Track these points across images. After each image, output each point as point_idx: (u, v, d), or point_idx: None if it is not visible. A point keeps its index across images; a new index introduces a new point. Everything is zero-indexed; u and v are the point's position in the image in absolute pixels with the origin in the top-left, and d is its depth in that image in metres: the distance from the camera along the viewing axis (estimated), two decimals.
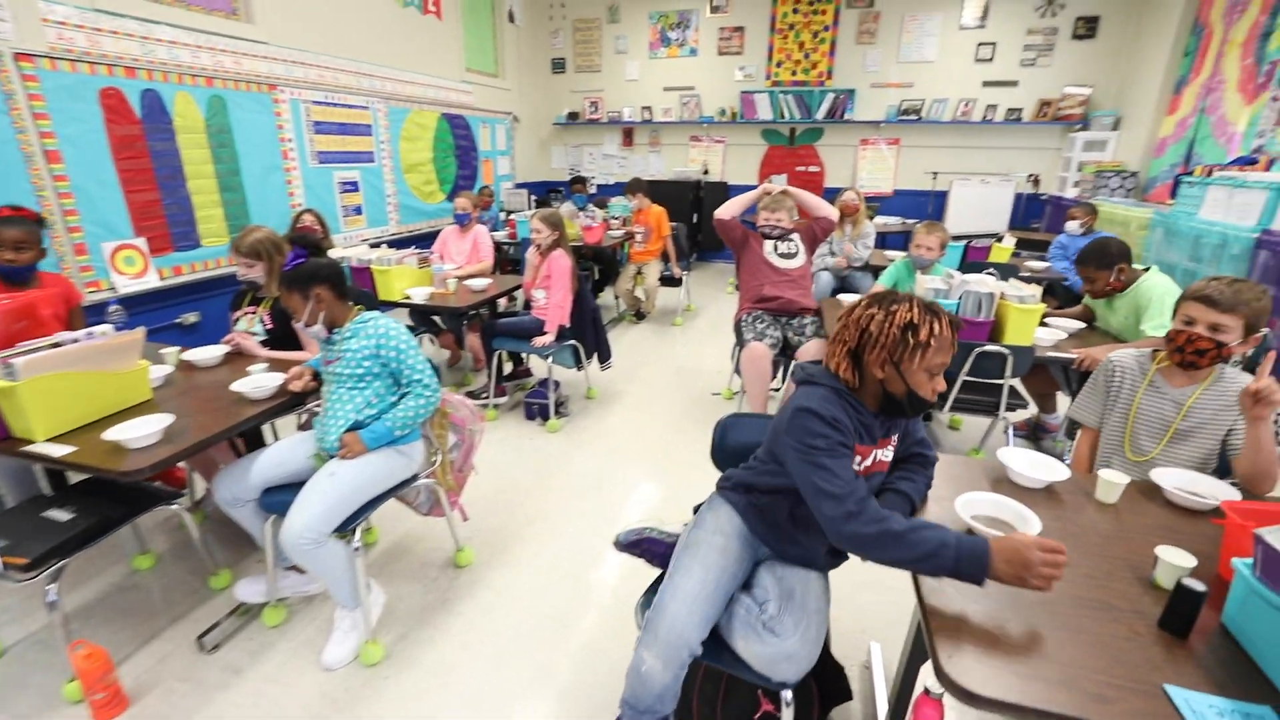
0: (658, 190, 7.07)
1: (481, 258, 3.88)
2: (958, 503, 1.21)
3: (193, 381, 2.06)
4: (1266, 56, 4.32)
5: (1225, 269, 3.64)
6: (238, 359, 2.24)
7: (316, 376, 1.97)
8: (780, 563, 1.35)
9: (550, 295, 3.13)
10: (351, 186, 5.05)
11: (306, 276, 1.77)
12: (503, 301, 4.16)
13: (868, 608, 1.96)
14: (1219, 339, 1.42)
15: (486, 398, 3.40)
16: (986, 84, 6.34)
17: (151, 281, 3.56)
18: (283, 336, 2.35)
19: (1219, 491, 1.31)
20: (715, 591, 1.23)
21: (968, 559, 0.99)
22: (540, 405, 3.28)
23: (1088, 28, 5.94)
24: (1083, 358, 2.27)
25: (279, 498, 1.78)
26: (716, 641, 1.25)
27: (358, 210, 5.14)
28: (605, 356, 3.49)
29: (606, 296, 5.70)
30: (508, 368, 3.77)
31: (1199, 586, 0.92)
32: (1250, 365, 2.32)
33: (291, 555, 1.63)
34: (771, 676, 1.18)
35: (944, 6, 6.25)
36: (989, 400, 2.46)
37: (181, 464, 2.38)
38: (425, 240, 4.29)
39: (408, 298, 3.21)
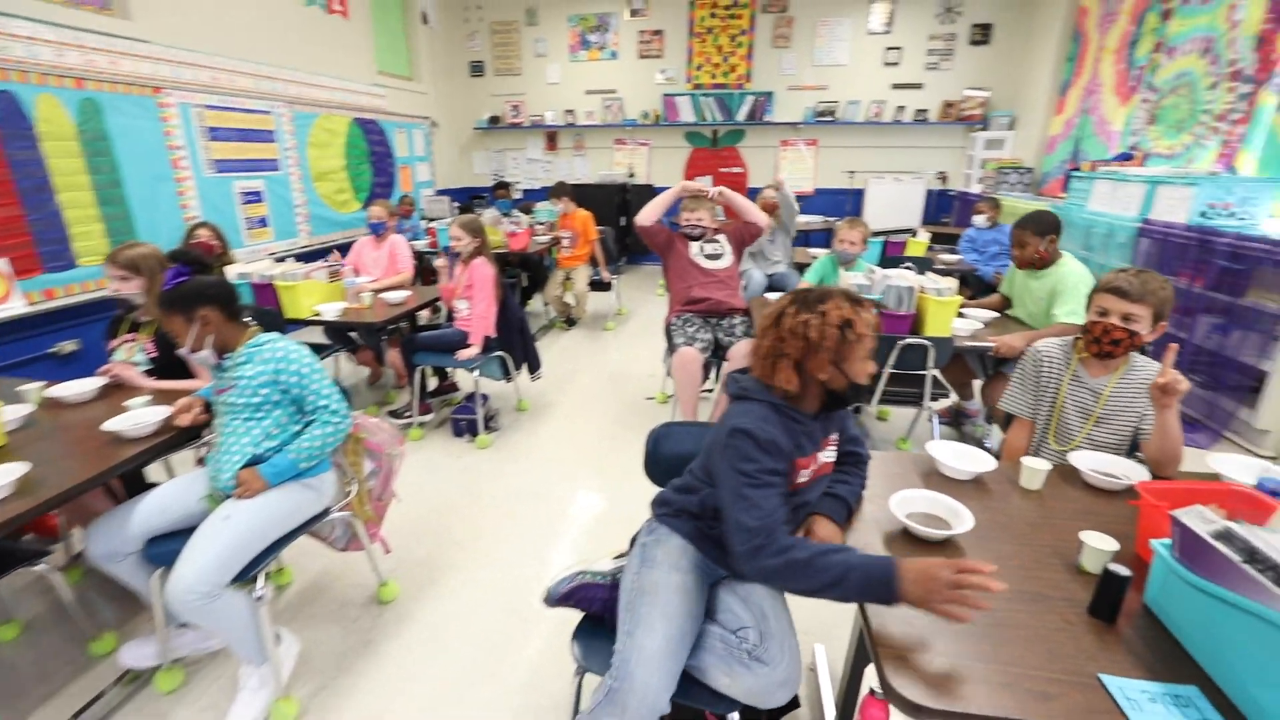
0: (584, 194, 6.98)
1: (400, 269, 3.68)
2: (892, 502, 1.20)
3: (60, 421, 1.82)
4: (1135, 62, 4.70)
5: (1113, 255, 3.92)
6: (117, 392, 1.99)
7: (208, 408, 1.78)
8: (737, 581, 1.29)
9: (473, 305, 2.99)
10: (255, 197, 4.71)
11: (190, 297, 1.59)
12: (425, 314, 3.97)
13: (810, 609, 1.94)
14: (1131, 328, 1.49)
15: (410, 416, 3.22)
16: (895, 86, 6.62)
17: (16, 308, 3.16)
18: (169, 365, 2.12)
19: (1132, 472, 1.37)
20: (683, 641, 1.13)
21: (875, 582, 0.95)
22: (468, 421, 3.13)
23: (983, 34, 6.31)
24: (999, 346, 2.37)
25: (166, 547, 1.59)
26: (684, 679, 1.16)
27: (263, 222, 4.80)
28: (535, 366, 3.37)
29: (536, 304, 5.58)
30: (432, 383, 3.60)
31: (1123, 572, 0.93)
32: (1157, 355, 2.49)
33: (180, 614, 1.44)
34: (764, 705, 1.13)
35: (853, 12, 6.49)
36: (913, 391, 2.52)
37: (55, 512, 2.10)
38: (341, 252, 4.04)
39: (318, 315, 2.99)
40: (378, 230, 3.60)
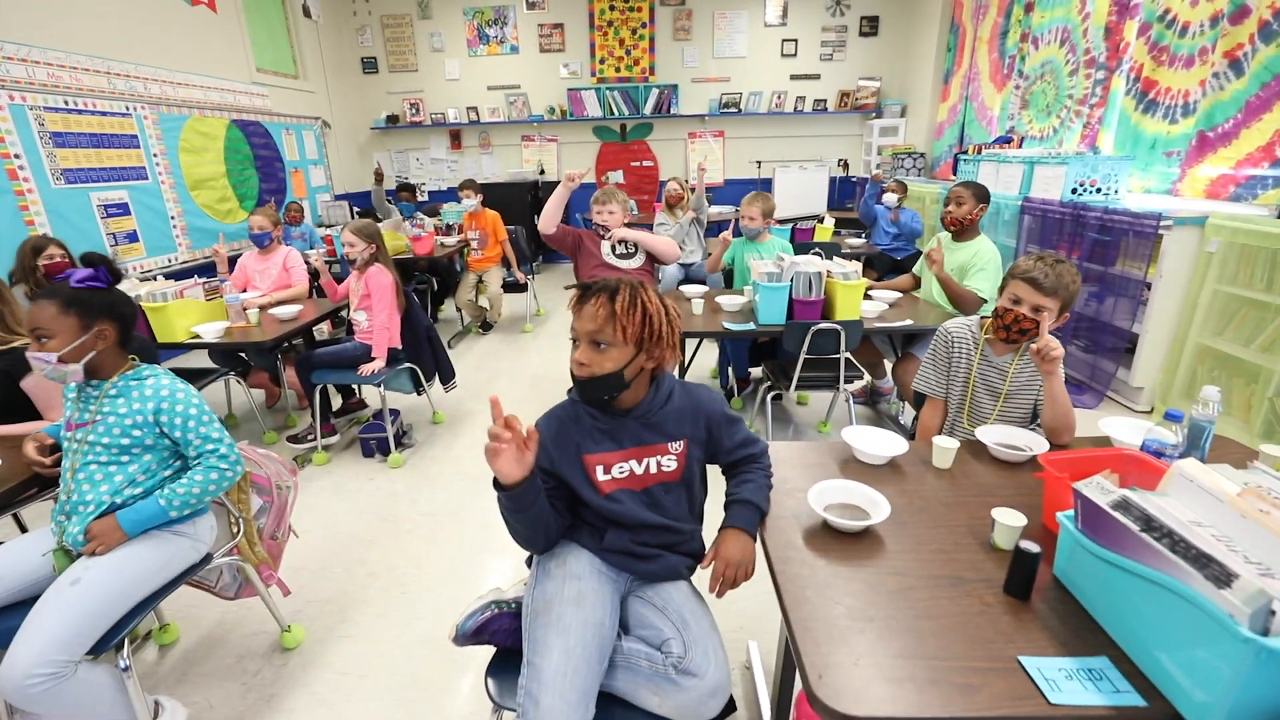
0: (494, 193, 6.75)
1: (294, 281, 3.39)
2: (810, 495, 1.18)
3: None
4: (1006, 51, 5.03)
5: (1002, 233, 4.17)
6: None
7: (54, 448, 1.54)
8: (649, 587, 1.23)
9: (373, 316, 2.79)
10: (120, 209, 4.22)
11: (100, 305, 1.41)
12: (327, 328, 3.69)
13: (742, 603, 1.92)
14: (1039, 320, 1.51)
15: (313, 439, 2.97)
16: (794, 77, 6.80)
17: None
18: (6, 403, 1.83)
19: (1034, 443, 1.41)
20: (587, 658, 1.04)
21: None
22: (378, 440, 2.93)
23: (871, 26, 6.58)
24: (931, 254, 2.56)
25: (3, 624, 1.35)
26: (614, 703, 1.10)
27: (132, 237, 4.31)
28: (448, 376, 3.20)
29: (449, 309, 5.34)
30: (337, 401, 3.35)
31: (1033, 548, 0.94)
32: None
33: (22, 705, 1.23)
34: (698, 719, 1.07)
35: (749, 5, 6.60)
36: (828, 375, 2.57)
37: None
38: (230, 265, 3.67)
39: (196, 336, 2.70)
40: (262, 242, 3.30)
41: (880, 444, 1.40)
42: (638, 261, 3.08)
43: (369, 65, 7.13)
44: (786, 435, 3.08)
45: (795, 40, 6.68)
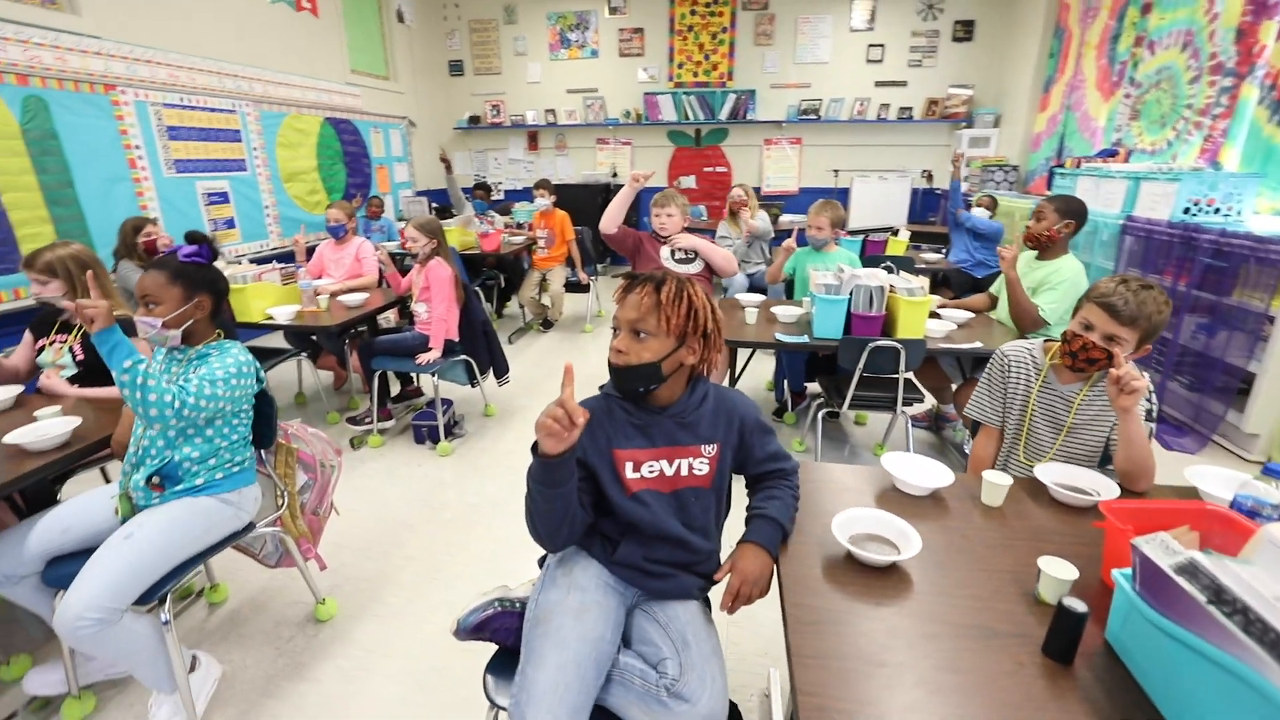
0: (566, 194, 6.86)
1: (364, 271, 3.56)
2: (834, 524, 1.09)
3: None
4: (1117, 57, 4.63)
5: (1098, 254, 3.84)
6: (37, 401, 1.88)
7: None
8: (655, 602, 1.18)
9: (432, 308, 2.87)
10: (220, 198, 4.57)
11: (204, 279, 1.56)
12: (393, 316, 3.85)
13: (770, 627, 1.84)
14: (1112, 350, 1.35)
15: (370, 422, 3.10)
16: (879, 84, 6.54)
17: None
18: (96, 369, 2.00)
19: (1101, 486, 1.26)
20: (581, 675, 1.00)
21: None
22: (429, 427, 3.02)
23: (965, 31, 6.23)
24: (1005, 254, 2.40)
25: (67, 569, 1.46)
26: (600, 712, 1.05)
27: (230, 223, 4.66)
28: (502, 370, 3.26)
29: (513, 306, 5.46)
30: (396, 388, 3.47)
31: (1079, 607, 0.83)
32: None
33: (72, 644, 1.32)
34: None
35: (834, 9, 6.40)
36: (886, 396, 2.42)
37: None
38: (310, 253, 3.93)
39: (270, 318, 2.87)
40: (337, 233, 3.48)
41: (922, 474, 1.29)
42: (695, 268, 3.02)
43: (455, 68, 7.42)
44: (841, 455, 2.94)
45: (882, 45, 6.42)
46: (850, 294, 2.34)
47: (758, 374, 3.91)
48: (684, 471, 1.17)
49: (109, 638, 1.34)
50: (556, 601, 1.09)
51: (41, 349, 2.05)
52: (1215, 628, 0.68)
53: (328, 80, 5.62)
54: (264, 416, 1.71)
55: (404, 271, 3.33)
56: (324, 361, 3.64)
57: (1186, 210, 3.23)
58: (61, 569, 1.49)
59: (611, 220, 2.80)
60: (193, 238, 1.61)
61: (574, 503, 1.08)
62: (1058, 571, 0.95)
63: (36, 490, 1.71)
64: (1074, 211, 2.41)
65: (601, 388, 1.23)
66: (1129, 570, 0.85)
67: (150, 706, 1.51)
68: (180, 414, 1.40)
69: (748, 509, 1.21)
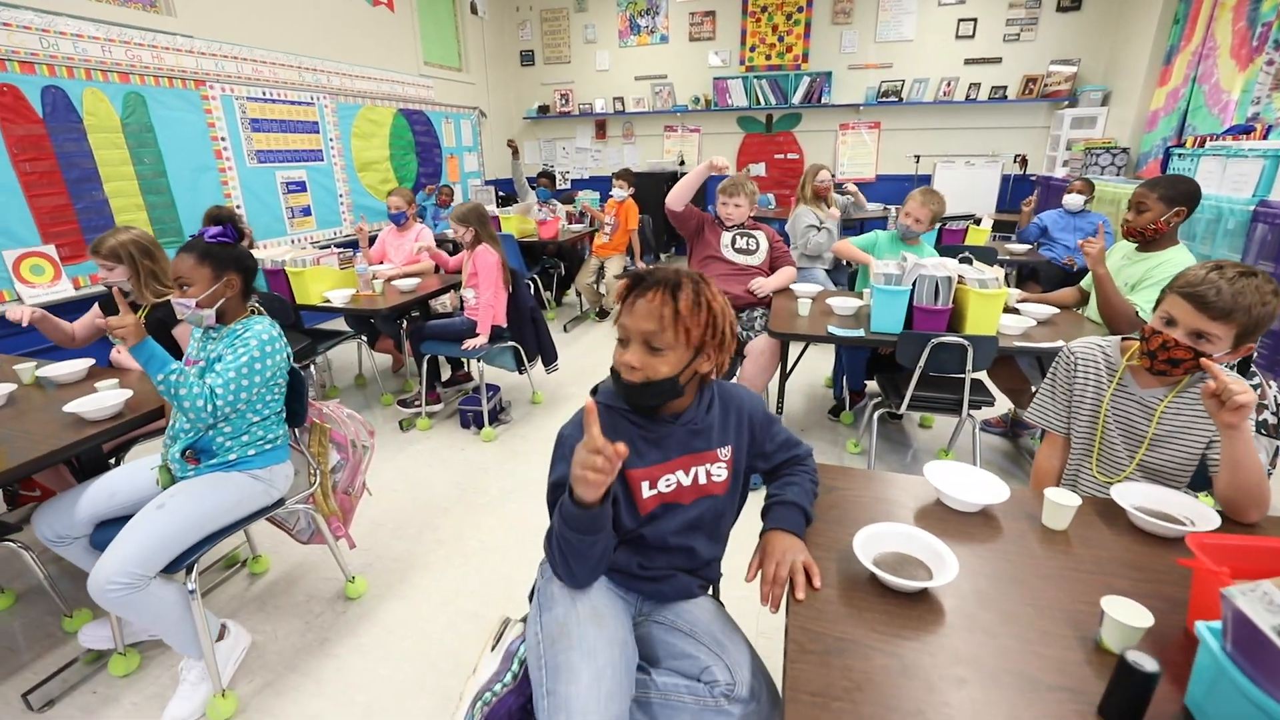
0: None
1: (421, 257, 3.62)
2: (856, 541, 0.95)
3: (41, 400, 1.82)
4: (1260, 19, 4.03)
5: (1221, 246, 3.37)
6: (108, 374, 2.00)
7: None
8: (667, 609, 1.09)
9: (480, 294, 2.87)
10: (298, 187, 4.81)
11: (228, 257, 1.58)
12: (449, 302, 3.91)
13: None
14: (1200, 349, 1.13)
15: (419, 405, 3.15)
16: (968, 62, 6.05)
17: (64, 290, 3.33)
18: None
19: (1195, 514, 1.05)
20: (619, 681, 0.90)
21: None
22: (474, 412, 3.03)
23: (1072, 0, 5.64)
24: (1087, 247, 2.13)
25: (111, 533, 1.52)
26: None
27: (306, 211, 4.90)
28: (550, 358, 3.23)
29: (572, 295, 5.46)
30: (447, 372, 3.53)
31: (1148, 665, 0.66)
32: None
33: (103, 605, 1.38)
34: None
35: None
36: (950, 398, 2.19)
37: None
38: (372, 240, 4.09)
39: (327, 301, 2.96)
40: (399, 220, 3.56)
41: (971, 487, 1.12)
42: (757, 259, 2.87)
43: (526, 58, 7.49)
44: (902, 460, 2.72)
45: (974, 20, 5.92)
46: (913, 285, 2.12)
47: (817, 369, 3.70)
48: (702, 479, 1.06)
49: (136, 602, 1.39)
50: (567, 613, 0.99)
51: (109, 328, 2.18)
52: None
53: (401, 72, 5.79)
54: (295, 394, 1.73)
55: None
56: (381, 345, 3.75)
57: None
58: (107, 533, 1.55)
59: (679, 198, 2.71)
60: (216, 217, 1.64)
61: (611, 537, 0.98)
62: (1127, 616, 0.77)
63: (91, 457, 1.81)
64: (1183, 195, 2.04)
65: (597, 396, 1.08)
66: (1218, 624, 0.67)
67: (180, 669, 1.57)
68: (214, 413, 1.47)
69: (765, 498, 1.10)
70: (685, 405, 1.05)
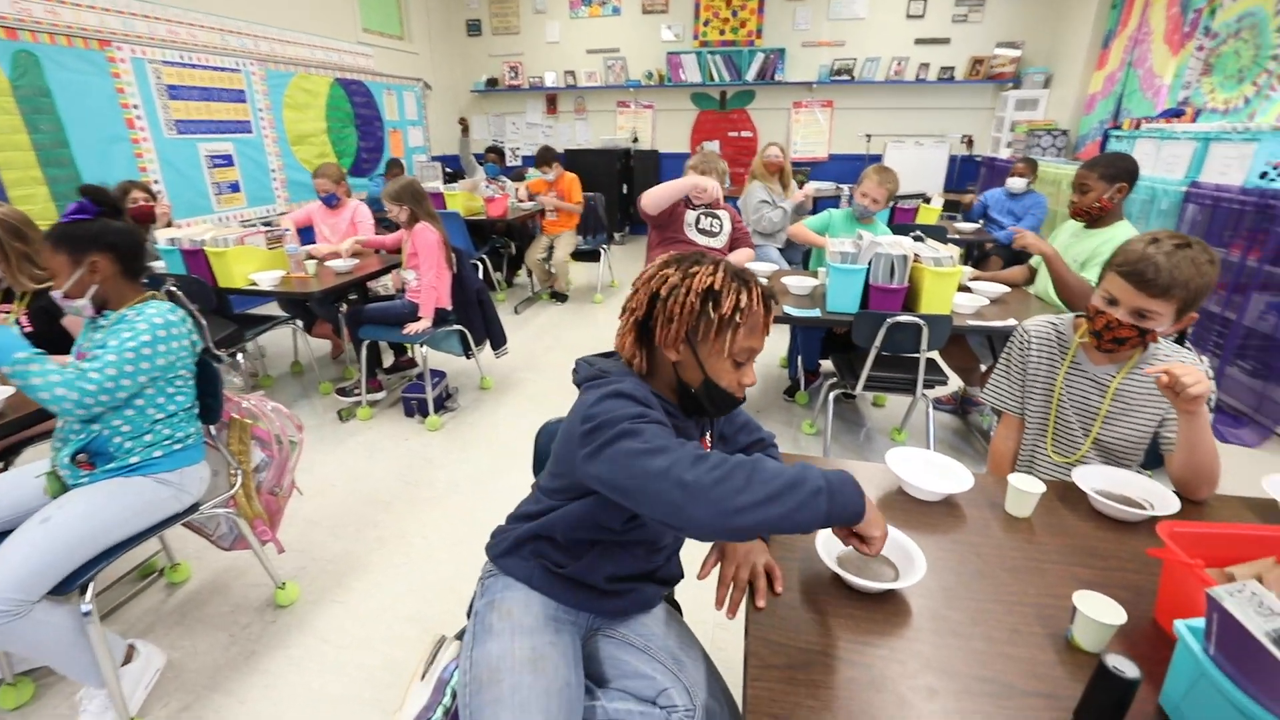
0: (585, 160, 6.64)
1: (360, 235, 3.40)
2: (819, 538, 0.89)
3: None
4: (1191, 4, 4.14)
5: (1156, 222, 3.47)
6: None
7: None
8: (622, 625, 1.00)
9: (421, 275, 2.70)
10: (224, 160, 4.46)
11: (84, 238, 1.36)
12: (391, 283, 3.70)
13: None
14: (1143, 326, 1.12)
15: (359, 394, 2.97)
16: (919, 41, 6.07)
17: None
18: (48, 340, 1.88)
19: (1155, 496, 1.03)
20: None
21: (841, 481, 0.76)
22: (419, 400, 2.87)
23: None
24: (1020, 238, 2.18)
25: None
26: None
27: (234, 187, 4.55)
28: (499, 342, 3.09)
29: (524, 275, 5.28)
30: (390, 359, 3.35)
31: (1130, 672, 0.61)
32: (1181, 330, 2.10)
33: None
34: None
35: None
36: (904, 377, 2.18)
37: None
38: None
39: (253, 284, 2.74)
40: (329, 203, 3.31)
41: (933, 475, 1.08)
42: (720, 240, 2.78)
43: (473, 27, 7.15)
44: (855, 440, 2.71)
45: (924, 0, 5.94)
46: (869, 263, 2.09)
47: (772, 350, 3.67)
48: None
49: (17, 631, 1.22)
50: (502, 654, 0.87)
51: None
52: None
53: (337, 39, 5.42)
54: (207, 389, 1.56)
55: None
56: (319, 330, 3.53)
57: (1264, 175, 2.86)
58: None
59: (655, 204, 2.58)
60: (82, 191, 1.42)
61: None
62: (1099, 613, 0.73)
63: None
64: (1123, 172, 2.07)
65: (609, 373, 0.91)
66: (1199, 623, 0.63)
67: (78, 699, 1.41)
68: (85, 405, 1.27)
69: None
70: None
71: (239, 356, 2.80)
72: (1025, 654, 0.75)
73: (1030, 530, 1.00)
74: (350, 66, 5.60)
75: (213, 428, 1.65)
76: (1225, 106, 3.79)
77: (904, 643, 0.77)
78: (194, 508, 1.55)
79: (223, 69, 4.36)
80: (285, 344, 3.79)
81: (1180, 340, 2.18)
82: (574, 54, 6.97)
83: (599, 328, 4.27)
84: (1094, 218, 2.12)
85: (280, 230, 2.95)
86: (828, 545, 0.89)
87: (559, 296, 4.85)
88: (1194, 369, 1.00)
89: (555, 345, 3.91)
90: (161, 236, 2.75)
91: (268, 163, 4.81)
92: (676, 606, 1.15)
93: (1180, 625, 0.64)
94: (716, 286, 0.84)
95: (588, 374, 0.90)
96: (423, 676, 0.93)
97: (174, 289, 2.55)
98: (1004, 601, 0.84)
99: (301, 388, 3.33)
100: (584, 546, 0.95)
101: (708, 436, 1.00)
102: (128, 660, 1.49)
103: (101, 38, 3.55)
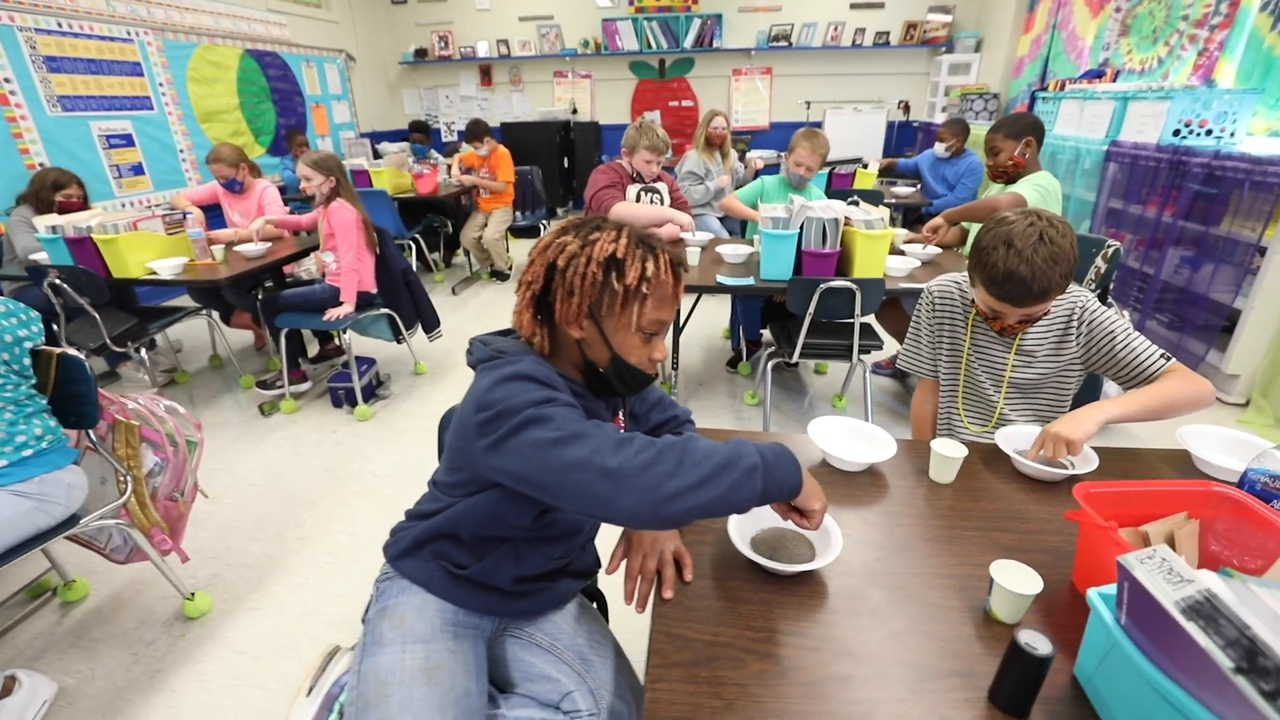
0: (520, 133, 6.40)
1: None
2: (732, 523, 0.84)
3: None
4: None
5: (1080, 184, 3.56)
6: None
7: None
8: (529, 625, 0.93)
9: (340, 257, 2.53)
10: (123, 140, 4.09)
11: None
12: (315, 267, 3.48)
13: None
14: (1034, 318, 1.13)
15: (281, 386, 2.79)
16: (854, 6, 6.04)
17: None
18: None
19: (1076, 456, 1.02)
20: None
21: (776, 455, 0.72)
22: (347, 390, 2.72)
23: None
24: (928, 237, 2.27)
25: None
26: None
27: (137, 169, 4.19)
28: (431, 324, 2.95)
29: (463, 255, 5.09)
30: (315, 347, 3.16)
31: (1042, 648, 0.58)
32: (1104, 287, 2.14)
33: None
34: None
35: None
36: (841, 344, 2.16)
37: None
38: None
39: (153, 273, 2.51)
40: (233, 188, 3.06)
41: (858, 444, 1.04)
42: None
43: None
44: (800, 408, 2.71)
45: None
46: (800, 228, 2.04)
47: (715, 321, 3.64)
48: None
49: None
50: (391, 666, 0.79)
51: None
52: (1242, 704, 0.44)
53: (245, 7, 5.02)
54: (80, 389, 1.41)
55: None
56: (238, 320, 3.30)
57: (1176, 132, 2.95)
58: None
59: (624, 218, 2.44)
60: None
61: None
62: (1015, 583, 0.71)
63: None
64: (1026, 127, 2.15)
65: (507, 353, 0.81)
66: (1110, 589, 0.60)
67: None
68: None
69: None
70: None
71: (141, 352, 2.57)
72: (944, 630, 0.72)
73: (953, 497, 0.97)
74: (262, 36, 5.20)
75: (91, 432, 1.49)
76: (1141, 67, 3.89)
77: (819, 628, 0.73)
78: (72, 520, 1.40)
79: (112, 39, 3.97)
80: (203, 336, 3.54)
81: (1103, 296, 2.25)
82: (506, 22, 6.67)
83: None
84: (1011, 176, 2.16)
85: (179, 213, 2.71)
86: (741, 528, 0.84)
87: (499, 275, 4.69)
88: (1070, 433, 0.99)
89: (493, 325, 3.73)
90: (40, 224, 2.49)
91: (174, 142, 4.45)
92: (597, 596, 1.09)
93: (1093, 594, 0.61)
94: (619, 255, 0.75)
95: (483, 355, 0.81)
96: (309, 692, 0.85)
97: (57, 281, 2.35)
98: (924, 575, 0.81)
99: (223, 381, 3.12)
100: (490, 545, 0.87)
101: (620, 416, 0.93)
102: (7, 693, 1.35)
103: None
